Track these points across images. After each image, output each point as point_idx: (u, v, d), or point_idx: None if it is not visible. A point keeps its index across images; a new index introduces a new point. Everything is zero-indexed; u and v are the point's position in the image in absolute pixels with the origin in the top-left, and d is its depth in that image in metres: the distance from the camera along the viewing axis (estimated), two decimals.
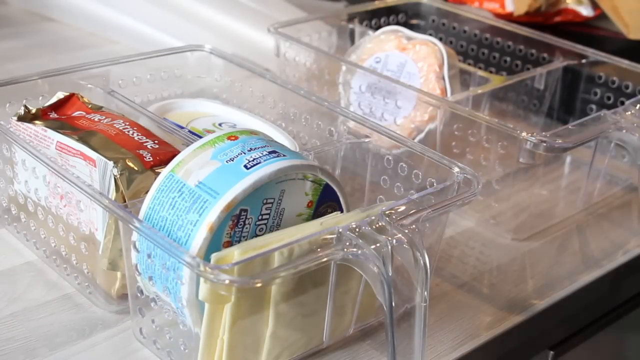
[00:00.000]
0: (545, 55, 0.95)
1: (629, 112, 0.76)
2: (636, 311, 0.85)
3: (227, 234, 0.54)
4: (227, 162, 0.55)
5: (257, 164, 0.55)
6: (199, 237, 0.53)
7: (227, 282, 0.49)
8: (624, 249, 0.78)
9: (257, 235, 0.56)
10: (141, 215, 0.56)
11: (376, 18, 1.01)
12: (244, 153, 0.56)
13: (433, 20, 1.05)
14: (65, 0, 1.11)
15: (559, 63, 0.92)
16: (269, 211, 0.56)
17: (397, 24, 1.02)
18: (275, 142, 0.59)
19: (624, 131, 0.74)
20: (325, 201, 0.59)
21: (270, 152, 0.56)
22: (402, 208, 0.57)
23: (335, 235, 0.53)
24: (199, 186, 0.54)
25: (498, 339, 0.66)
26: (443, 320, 0.66)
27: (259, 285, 0.49)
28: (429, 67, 0.83)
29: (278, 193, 0.56)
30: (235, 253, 0.51)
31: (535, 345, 0.74)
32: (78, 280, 0.65)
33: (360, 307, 0.60)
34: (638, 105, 0.77)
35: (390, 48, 0.86)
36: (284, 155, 0.56)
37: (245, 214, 0.54)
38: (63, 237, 0.64)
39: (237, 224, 0.54)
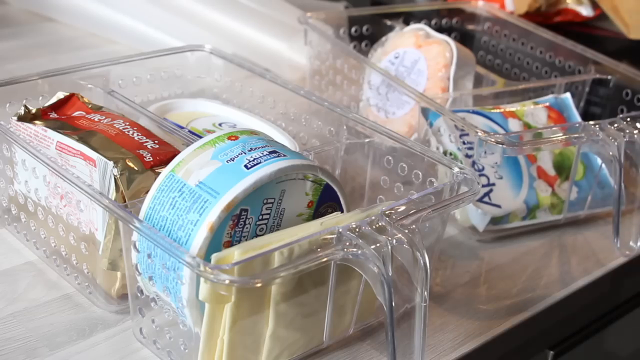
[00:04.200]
0: (574, 65, 0.95)
1: (614, 126, 0.74)
2: (636, 311, 0.85)
3: (228, 233, 0.54)
4: (227, 162, 0.55)
5: (257, 163, 0.55)
6: (200, 237, 0.53)
7: (227, 282, 0.49)
8: None
9: (257, 235, 0.56)
10: (141, 215, 0.56)
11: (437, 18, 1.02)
12: (245, 153, 0.56)
13: (488, 27, 1.05)
14: (65, 0, 1.11)
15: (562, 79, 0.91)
16: (269, 211, 0.56)
17: (450, 28, 1.02)
18: (276, 142, 0.59)
19: (600, 144, 0.73)
20: (326, 201, 0.59)
21: (270, 152, 0.56)
22: (402, 208, 0.57)
23: (336, 235, 0.53)
24: (200, 186, 0.54)
25: (498, 339, 0.65)
26: (443, 320, 0.66)
27: (259, 285, 0.49)
28: (436, 66, 0.84)
29: (278, 193, 0.56)
30: (236, 253, 0.51)
31: (535, 345, 0.74)
32: (78, 280, 0.65)
33: (360, 307, 0.60)
34: (625, 121, 0.75)
35: (409, 45, 0.87)
36: (284, 155, 0.56)
37: (245, 213, 0.54)
38: (63, 237, 0.64)
39: (237, 223, 0.54)
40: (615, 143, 0.72)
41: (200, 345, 0.54)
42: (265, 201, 0.56)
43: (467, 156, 0.75)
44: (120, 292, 0.63)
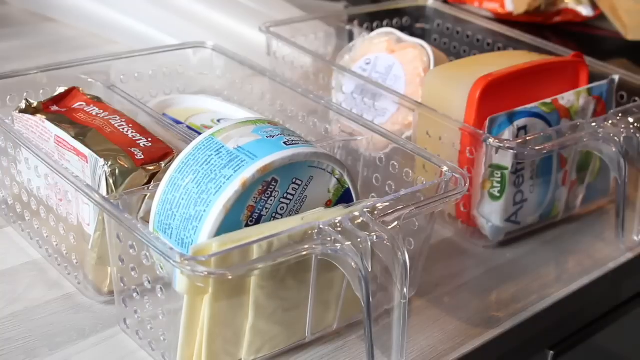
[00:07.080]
0: None
1: (609, 122, 0.73)
2: (636, 311, 0.84)
3: (254, 197, 0.54)
4: (267, 137, 0.56)
5: (295, 144, 0.56)
6: (231, 190, 0.53)
7: (204, 273, 0.49)
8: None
9: (277, 213, 0.56)
10: (173, 167, 0.56)
11: (378, 20, 1.00)
12: (284, 135, 0.57)
13: (438, 25, 1.04)
14: (65, 0, 1.11)
15: None
16: (294, 192, 0.56)
17: (402, 27, 1.01)
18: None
19: (601, 141, 0.72)
20: None
21: (306, 141, 0.57)
22: (385, 205, 0.56)
23: (316, 230, 0.53)
24: (238, 149, 0.54)
25: (498, 339, 0.65)
26: (443, 320, 0.66)
27: (236, 276, 0.49)
28: (414, 71, 0.82)
29: (307, 177, 0.56)
30: (214, 245, 0.51)
31: (535, 345, 0.74)
32: (78, 279, 0.65)
33: (345, 303, 0.60)
34: (619, 116, 0.74)
35: (380, 50, 0.85)
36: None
37: (275, 184, 0.55)
38: (64, 236, 0.64)
39: (265, 191, 0.54)
40: (617, 139, 0.72)
41: (180, 337, 0.54)
42: (294, 180, 0.56)
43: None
44: (112, 288, 0.63)
